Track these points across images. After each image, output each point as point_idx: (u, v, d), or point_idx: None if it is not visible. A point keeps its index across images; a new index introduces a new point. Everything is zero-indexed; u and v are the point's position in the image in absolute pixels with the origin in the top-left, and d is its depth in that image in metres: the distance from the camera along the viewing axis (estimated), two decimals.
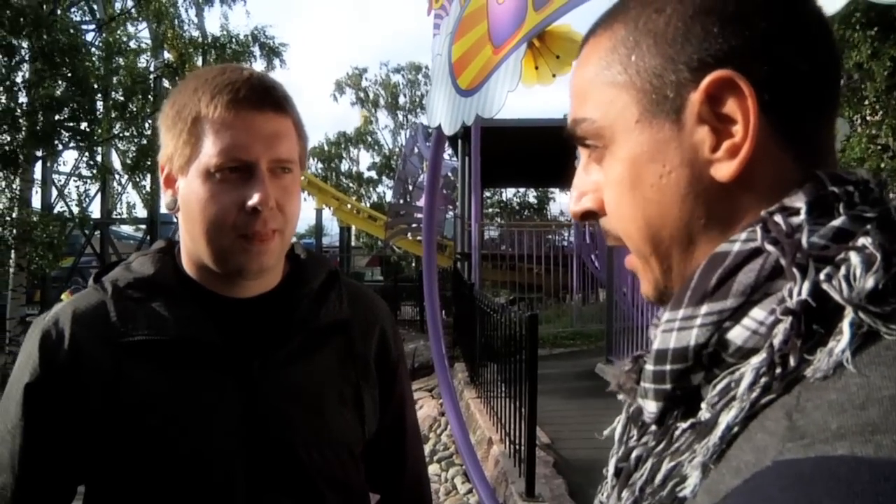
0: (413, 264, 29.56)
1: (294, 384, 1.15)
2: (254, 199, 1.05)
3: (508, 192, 41.09)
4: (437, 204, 5.19)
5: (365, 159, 42.68)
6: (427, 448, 7.81)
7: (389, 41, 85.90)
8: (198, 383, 1.10)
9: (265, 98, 1.09)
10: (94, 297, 1.15)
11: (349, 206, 25.62)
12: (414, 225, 17.95)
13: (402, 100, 41.68)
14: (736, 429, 0.53)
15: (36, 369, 1.09)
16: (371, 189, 42.06)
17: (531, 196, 41.59)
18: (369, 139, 41.93)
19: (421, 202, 18.81)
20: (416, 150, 20.96)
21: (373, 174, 42.08)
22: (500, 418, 5.81)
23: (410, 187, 21.00)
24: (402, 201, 20.17)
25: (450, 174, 20.22)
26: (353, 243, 33.55)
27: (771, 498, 0.45)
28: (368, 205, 35.15)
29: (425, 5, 5.59)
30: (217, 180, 1.06)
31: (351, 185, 41.17)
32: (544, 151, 19.68)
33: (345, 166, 42.33)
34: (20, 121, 14.42)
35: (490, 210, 37.53)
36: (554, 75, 5.98)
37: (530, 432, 4.42)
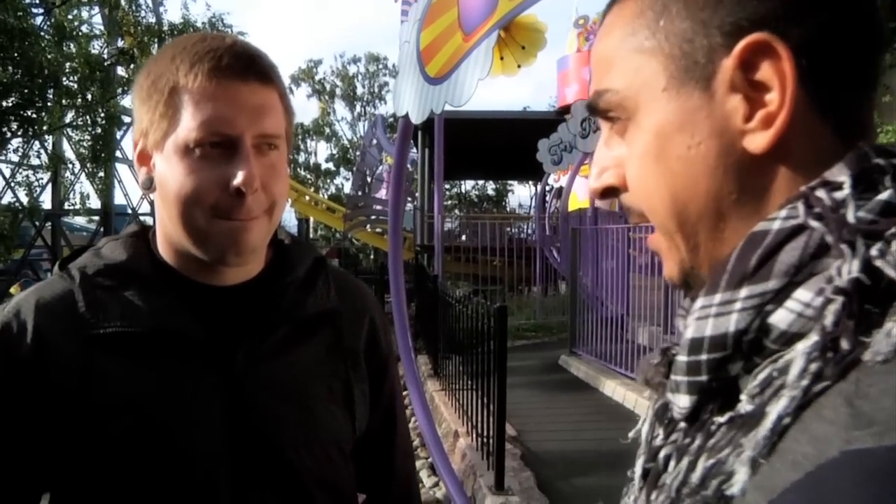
0: (371, 256, 29.45)
1: (280, 378, 1.06)
2: (238, 178, 0.95)
3: (467, 185, 41.22)
4: (403, 196, 5.11)
5: (322, 151, 42.33)
6: None
7: (347, 33, 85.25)
8: (176, 378, 1.00)
9: (250, 67, 0.99)
10: (59, 286, 1.04)
11: (307, 197, 25.39)
12: (373, 217, 17.84)
13: (359, 90, 41.46)
14: (788, 419, 0.48)
15: None
16: (329, 181, 41.88)
17: (490, 188, 41.77)
18: (327, 131, 41.67)
19: (380, 194, 18.75)
20: (374, 141, 20.83)
21: (330, 166, 41.86)
22: (465, 411, 5.76)
23: (369, 179, 20.87)
24: (360, 193, 20.03)
25: (409, 166, 20.15)
26: (311, 235, 33.26)
27: (844, 491, 0.42)
28: (327, 196, 34.93)
29: None
30: (196, 156, 0.96)
31: (309, 176, 40.90)
32: (504, 144, 19.79)
33: (302, 158, 41.99)
34: None
35: (449, 202, 37.53)
36: (519, 66, 5.94)
37: (499, 425, 4.37)
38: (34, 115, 14.86)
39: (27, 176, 17.41)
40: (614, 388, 6.91)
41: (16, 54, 14.24)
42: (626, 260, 8.34)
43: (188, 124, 0.95)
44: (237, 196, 0.96)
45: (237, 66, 0.98)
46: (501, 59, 5.64)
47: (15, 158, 17.67)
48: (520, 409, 6.11)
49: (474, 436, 5.28)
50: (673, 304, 6.95)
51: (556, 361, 8.62)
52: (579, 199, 14.30)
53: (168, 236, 1.05)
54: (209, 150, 0.96)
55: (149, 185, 1.03)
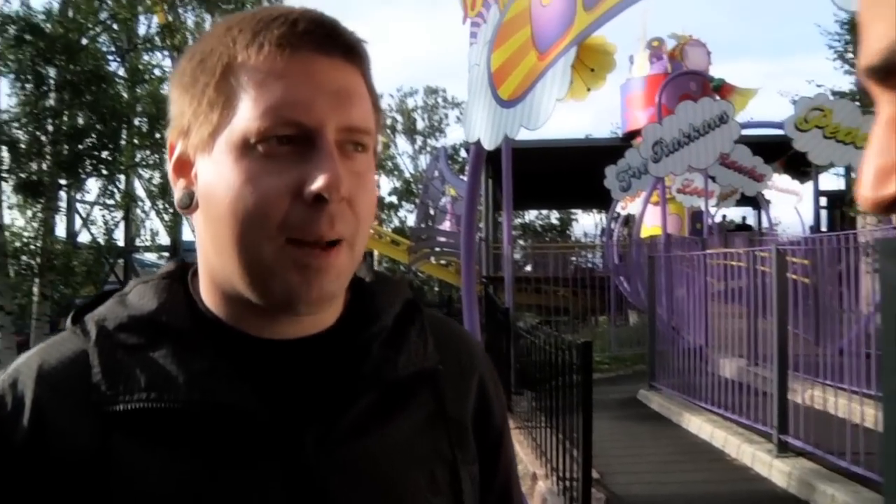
0: (436, 289, 29.28)
1: (365, 465, 0.78)
2: (318, 182, 0.69)
3: (531, 214, 40.95)
4: (475, 226, 4.90)
5: (385, 184, 42.67)
6: None
7: (407, 67, 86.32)
8: (224, 470, 0.73)
9: (334, 37, 0.74)
10: (70, 346, 0.78)
11: (371, 230, 25.47)
12: (437, 249, 17.70)
13: (419, 124, 41.81)
14: None
15: None
16: (392, 214, 42.08)
17: (554, 217, 41.41)
18: (389, 164, 42.04)
19: (444, 226, 18.63)
20: (437, 173, 20.79)
21: (394, 199, 42.11)
22: (543, 451, 5.47)
23: (433, 211, 20.81)
24: (424, 225, 19.96)
25: None
26: (375, 268, 33.32)
27: None
28: (390, 229, 35.06)
29: (450, 14, 5.33)
30: (259, 155, 0.71)
31: None
32: (568, 172, 19.55)
33: None
34: (45, 149, 14.44)
35: (513, 232, 37.26)
36: (588, 89, 5.70)
37: (585, 470, 4.08)
38: (108, 157, 15.22)
39: (103, 215, 17.84)
40: (700, 425, 6.52)
41: (91, 98, 14.65)
42: (704, 287, 7.98)
43: (248, 112, 0.71)
44: (314, 206, 0.70)
45: (318, 33, 0.73)
46: (571, 82, 5.42)
47: (90, 198, 18.16)
48: (600, 448, 5.74)
49: (555, 479, 4.97)
50: (757, 333, 6.57)
51: (634, 396, 8.25)
52: (647, 226, 13.92)
53: (213, 274, 0.78)
54: (276, 146, 0.71)
55: (188, 203, 0.77)
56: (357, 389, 0.78)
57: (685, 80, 14.15)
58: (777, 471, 5.15)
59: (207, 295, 0.80)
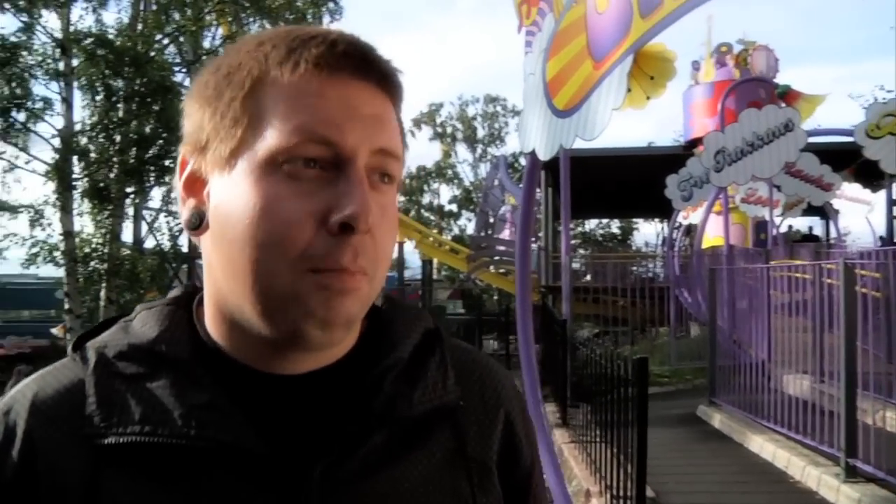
0: (495, 297, 29.21)
1: None
2: (347, 210, 0.65)
3: (591, 223, 40.57)
4: (531, 236, 4.82)
5: (445, 193, 42.84)
6: None
7: (466, 75, 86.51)
8: None
9: (371, 63, 0.71)
10: (67, 374, 0.74)
11: (431, 238, 25.54)
12: (497, 257, 17.63)
13: (479, 132, 41.84)
14: None
15: None
16: (452, 222, 42.16)
17: (614, 227, 40.94)
18: (449, 173, 42.16)
19: (503, 234, 18.57)
20: (497, 182, 20.73)
21: (453, 207, 42.19)
22: (598, 467, 5.35)
23: (492, 220, 20.77)
24: (483, 234, 19.91)
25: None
26: (434, 276, 33.42)
27: None
28: (450, 237, 35.11)
29: (507, 23, 5.27)
30: (283, 176, 0.66)
31: (432, 218, 41.33)
32: (629, 181, 19.30)
33: (426, 199, 42.59)
34: (113, 158, 14.87)
35: (573, 242, 36.99)
36: (648, 97, 5.57)
37: (639, 488, 3.96)
38: (171, 164, 15.61)
39: (167, 221, 18.29)
40: (762, 445, 6.30)
41: (158, 109, 15.07)
42: (767, 300, 7.74)
43: (278, 130, 0.67)
44: (339, 235, 0.66)
45: (356, 56, 0.70)
46: (629, 90, 5.32)
47: (154, 205, 18.64)
48: (657, 465, 5.61)
49: (609, 497, 4.86)
50: (824, 348, 6.32)
51: (693, 412, 8.03)
52: (710, 236, 13.61)
53: (220, 301, 0.73)
54: (302, 168, 0.67)
55: (198, 224, 0.72)
56: (367, 427, 0.73)
57: (753, 87, 13.78)
58: (845, 497, 4.91)
59: (212, 323, 0.76)
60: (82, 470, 0.69)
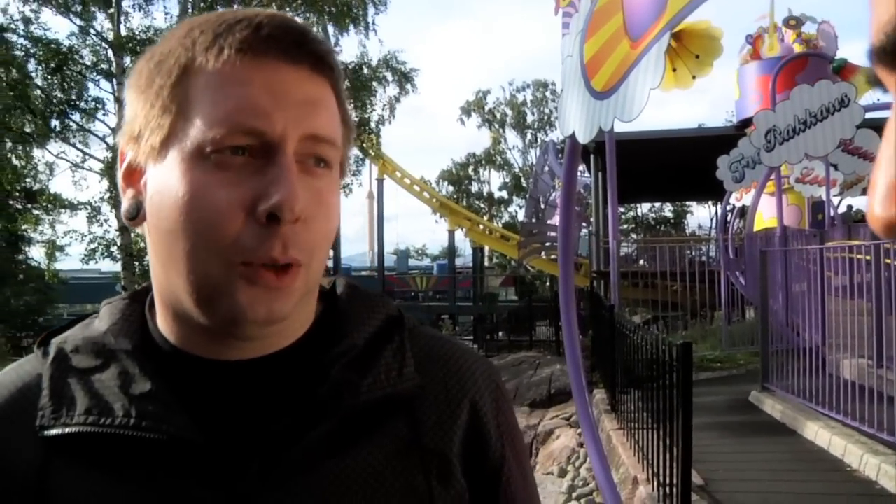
0: (548, 283, 29.05)
1: (317, 501, 0.70)
2: (273, 199, 0.64)
3: (643, 207, 40.06)
4: (573, 221, 4.76)
5: (495, 179, 42.73)
6: (565, 483, 7.32)
7: (515, 62, 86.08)
8: (161, 499, 0.68)
9: (300, 44, 0.68)
10: (27, 368, 0.77)
11: (481, 226, 25.53)
12: (548, 244, 17.54)
13: (529, 118, 41.59)
14: None
15: None
16: (502, 209, 42.08)
17: (667, 210, 40.36)
18: (498, 159, 42.05)
19: (554, 220, 18.45)
20: (546, 167, 20.61)
21: (503, 194, 42.10)
22: (645, 454, 5.27)
23: (543, 205, 20.69)
24: (534, 220, 19.81)
25: (582, 190, 19.69)
26: (486, 264, 33.40)
27: None
28: (500, 224, 35.03)
29: (552, 6, 5.19)
30: (212, 165, 0.65)
31: (482, 205, 41.30)
32: (680, 163, 18.98)
33: (475, 187, 42.55)
34: None
35: (624, 226, 36.58)
36: (694, 77, 5.43)
37: (684, 475, 3.88)
38: None
39: None
40: (817, 432, 6.12)
41: None
42: (822, 283, 7.51)
43: (204, 119, 0.65)
44: (267, 226, 0.65)
45: (284, 39, 0.68)
46: (674, 70, 5.22)
47: None
48: (707, 453, 5.51)
49: (655, 484, 4.78)
50: (883, 332, 6.11)
51: (745, 398, 7.85)
52: (764, 218, 13.29)
53: (161, 291, 0.73)
54: (230, 157, 0.65)
55: (135, 214, 0.72)
56: (313, 415, 0.71)
57: (821, 64, 13.33)
58: None
59: (160, 315, 0.76)
60: (31, 461, 0.70)
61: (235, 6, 16.63)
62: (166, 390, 0.70)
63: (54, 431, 0.69)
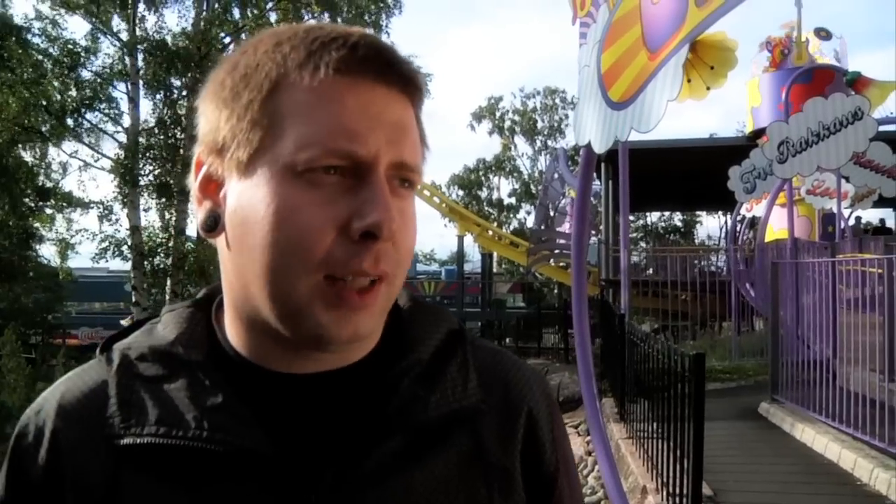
0: (556, 290, 29.02)
1: None
2: (370, 218, 0.65)
3: (653, 216, 40.00)
4: (587, 229, 4.78)
5: (505, 186, 42.71)
6: None
7: (528, 69, 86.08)
8: None
9: (393, 67, 0.69)
10: (92, 375, 0.76)
11: (490, 232, 25.51)
12: (557, 251, 17.52)
13: (539, 125, 41.59)
14: None
15: (2, 487, 0.75)
16: (512, 215, 42.06)
17: (677, 219, 40.29)
18: (508, 166, 42.05)
19: (563, 228, 18.44)
20: (556, 174, 20.59)
21: (513, 200, 42.08)
22: (655, 464, 5.28)
23: (552, 213, 20.65)
24: (543, 227, 19.81)
25: (592, 199, 19.71)
26: (494, 270, 33.37)
27: None
28: (509, 231, 35.01)
29: (569, 15, 5.22)
30: (304, 183, 0.66)
31: (492, 211, 41.30)
32: (691, 173, 18.95)
33: (485, 193, 42.56)
34: (177, 155, 15.25)
35: (634, 235, 36.51)
36: (708, 88, 5.44)
37: (695, 487, 3.89)
38: None
39: None
40: (826, 444, 6.12)
41: None
42: (833, 295, 7.51)
43: (297, 137, 0.66)
44: (360, 242, 0.66)
45: (378, 61, 0.68)
46: (689, 81, 5.22)
47: None
48: (716, 463, 5.51)
49: (664, 494, 4.78)
50: (894, 346, 6.10)
51: (755, 409, 7.84)
52: (774, 229, 13.26)
53: (237, 304, 0.73)
54: (322, 175, 0.66)
55: (213, 226, 0.72)
56: (383, 431, 0.72)
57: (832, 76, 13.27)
58: None
59: (230, 325, 0.76)
60: (104, 470, 0.70)
61: (248, 11, 16.71)
62: (238, 402, 0.71)
63: (126, 441, 0.70)
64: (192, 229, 18.76)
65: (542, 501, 0.83)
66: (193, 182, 0.74)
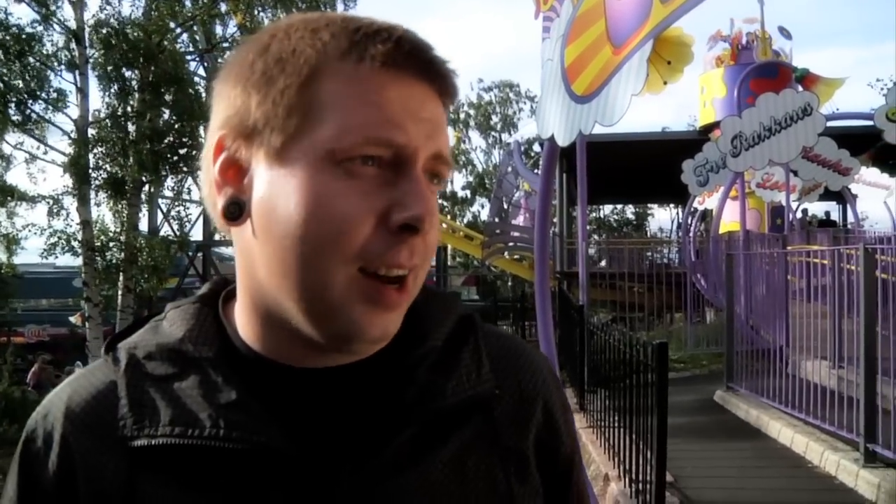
0: (509, 283, 29.22)
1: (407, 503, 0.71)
2: (412, 210, 0.64)
3: (605, 209, 40.49)
4: (549, 222, 4.83)
5: (459, 179, 42.81)
6: None
7: (482, 61, 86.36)
8: None
9: (434, 65, 0.69)
10: (99, 376, 0.74)
11: (445, 225, 25.54)
12: (511, 244, 17.61)
13: (493, 119, 41.75)
14: None
15: (14, 494, 0.73)
16: (466, 208, 42.15)
17: (629, 212, 40.85)
18: (462, 159, 42.12)
19: (517, 221, 18.55)
20: (510, 167, 20.69)
21: (467, 193, 42.18)
22: (616, 452, 5.37)
23: (507, 206, 20.74)
24: (498, 220, 19.89)
25: None
26: (448, 263, 33.44)
27: None
28: (464, 224, 35.11)
29: (525, 9, 5.26)
30: (341, 173, 0.64)
31: (446, 204, 41.33)
32: (644, 166, 19.19)
33: None
34: (129, 150, 14.94)
35: (587, 227, 36.96)
36: (665, 83, 5.52)
37: (659, 473, 3.98)
38: (186, 154, 15.66)
39: (179, 210, 18.38)
40: (780, 430, 6.30)
41: (171, 98, 15.15)
42: (785, 286, 7.71)
43: (338, 126, 0.64)
44: (398, 235, 0.65)
45: (422, 58, 0.68)
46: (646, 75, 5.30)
47: (169, 194, 18.76)
48: (674, 450, 5.55)
49: (627, 481, 4.88)
50: (842, 334, 6.30)
51: (710, 398, 8.02)
52: (725, 222, 13.55)
53: (257, 296, 0.71)
54: (361, 166, 0.64)
55: (237, 214, 0.69)
56: (399, 420, 0.71)
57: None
58: (864, 481, 4.91)
59: (243, 318, 0.74)
60: (118, 473, 0.69)
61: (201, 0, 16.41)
62: (252, 399, 0.69)
63: (140, 442, 0.68)
64: (143, 224, 18.48)
65: (560, 485, 0.84)
66: (212, 166, 0.70)
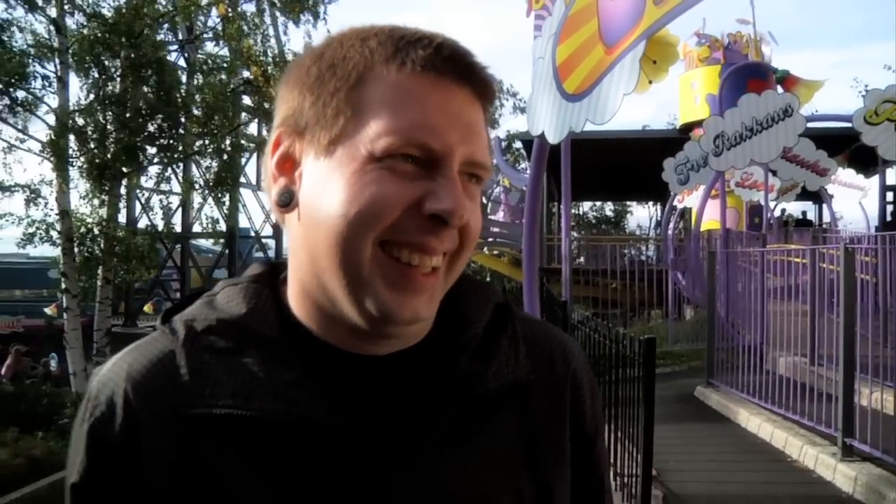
0: (488, 279, 29.26)
1: (449, 485, 0.75)
2: (443, 203, 0.69)
3: (584, 206, 40.68)
4: (538, 218, 4.89)
5: None
6: None
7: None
8: (303, 482, 0.73)
9: (473, 70, 0.73)
10: (158, 346, 0.78)
11: None
12: (490, 239, 17.69)
13: None
14: None
15: (83, 466, 0.76)
16: None
17: (608, 209, 41.07)
18: None
19: (497, 216, 18.61)
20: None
21: None
22: None
23: (485, 201, 20.81)
24: None
25: (523, 188, 19.95)
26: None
27: None
28: None
29: (507, 8, 5.31)
30: (381, 168, 0.69)
31: None
32: (624, 164, 19.35)
33: None
34: (110, 136, 14.76)
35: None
36: (650, 81, 5.62)
37: (646, 466, 4.06)
38: (168, 143, 15.52)
39: (160, 201, 18.25)
40: (759, 425, 6.41)
41: (153, 82, 14.99)
42: (762, 284, 7.83)
43: (379, 127, 0.69)
44: (430, 223, 0.70)
45: (461, 64, 0.73)
46: None
47: (149, 184, 18.58)
48: (657, 445, 5.62)
49: (612, 474, 4.95)
50: (821, 332, 6.43)
51: (691, 392, 8.13)
52: (704, 219, 13.71)
53: (304, 282, 0.77)
54: (400, 163, 0.69)
55: (288, 202, 0.75)
56: (443, 405, 0.76)
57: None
58: (841, 475, 5.03)
59: (297, 303, 0.79)
60: (178, 440, 0.72)
61: None
62: (313, 379, 0.73)
63: (200, 411, 0.72)
64: (121, 215, 18.30)
65: (583, 460, 0.89)
66: (270, 160, 0.77)
